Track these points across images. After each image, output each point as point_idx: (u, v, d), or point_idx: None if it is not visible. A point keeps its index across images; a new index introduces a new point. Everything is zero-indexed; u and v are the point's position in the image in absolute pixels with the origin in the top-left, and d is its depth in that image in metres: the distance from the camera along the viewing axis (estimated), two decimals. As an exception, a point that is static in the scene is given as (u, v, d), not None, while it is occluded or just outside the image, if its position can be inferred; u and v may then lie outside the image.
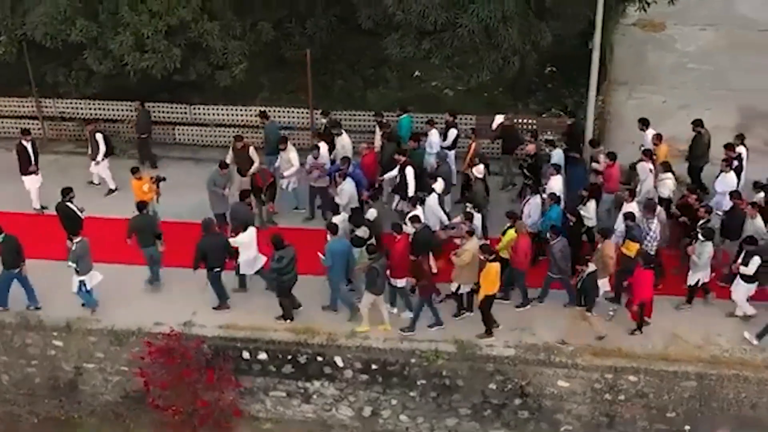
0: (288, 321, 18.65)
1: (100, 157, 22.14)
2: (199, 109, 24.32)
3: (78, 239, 18.20)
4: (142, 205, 19.30)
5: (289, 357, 18.53)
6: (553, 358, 17.87)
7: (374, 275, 17.86)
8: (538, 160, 21.30)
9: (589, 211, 19.39)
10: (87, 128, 22.64)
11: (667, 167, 20.24)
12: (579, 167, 21.21)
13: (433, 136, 21.90)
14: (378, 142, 22.09)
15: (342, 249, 18.33)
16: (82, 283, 18.53)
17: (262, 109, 22.99)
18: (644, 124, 21.72)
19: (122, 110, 24.36)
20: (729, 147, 20.56)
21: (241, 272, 19.14)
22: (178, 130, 24.44)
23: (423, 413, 18.68)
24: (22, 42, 23.30)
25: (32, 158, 21.34)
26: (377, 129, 22.34)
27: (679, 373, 17.55)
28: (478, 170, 20.45)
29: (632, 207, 18.88)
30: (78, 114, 24.49)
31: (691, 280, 18.41)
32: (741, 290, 18.20)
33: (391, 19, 22.78)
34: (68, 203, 19.58)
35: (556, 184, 20.01)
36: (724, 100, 25.13)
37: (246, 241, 18.66)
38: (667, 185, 19.99)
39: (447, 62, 23.25)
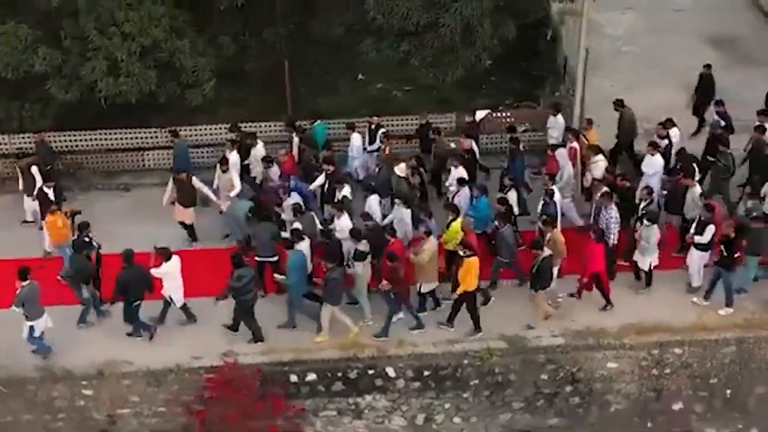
0: (259, 343, 18.18)
1: (36, 190, 20.74)
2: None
3: (26, 282, 17.12)
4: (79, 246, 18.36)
5: (339, 374, 18.16)
6: (601, 341, 18.33)
7: (333, 286, 17.73)
8: (474, 156, 21.58)
9: (511, 199, 19.74)
10: (22, 162, 21.22)
11: (597, 150, 20.96)
12: (518, 157, 21.40)
13: (355, 140, 21.98)
14: (295, 149, 21.75)
15: (301, 261, 18.08)
16: (31, 328, 17.43)
17: (173, 129, 22.23)
18: (620, 104, 22.54)
19: (87, 140, 23.07)
20: (662, 124, 21.51)
21: (175, 304, 18.34)
22: (147, 155, 23.33)
23: (476, 413, 18.70)
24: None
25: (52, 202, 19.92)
26: (294, 136, 22.01)
27: (719, 340, 18.39)
28: (400, 169, 20.47)
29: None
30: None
31: (644, 264, 18.94)
32: (696, 259, 18.93)
33: (365, 23, 22.67)
34: (86, 238, 18.52)
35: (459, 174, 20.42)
36: (666, 80, 26.22)
37: (170, 271, 17.95)
38: (599, 167, 20.68)
39: (423, 63, 23.24)
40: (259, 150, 21.64)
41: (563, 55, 26.26)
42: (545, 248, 18.09)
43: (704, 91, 23.81)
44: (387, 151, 21.60)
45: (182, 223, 20.59)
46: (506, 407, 18.70)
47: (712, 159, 21.11)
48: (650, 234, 18.49)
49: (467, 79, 25.67)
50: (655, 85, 25.84)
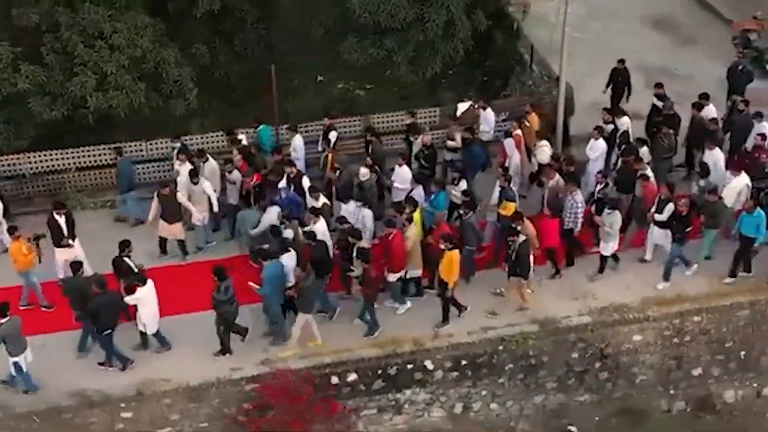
0: (228, 355, 17.88)
1: None
2: (154, 143, 22.48)
3: (6, 318, 16.34)
4: (76, 267, 17.69)
5: (379, 372, 18.17)
6: (626, 315, 18.95)
7: (308, 295, 17.62)
8: (435, 151, 21.60)
9: (458, 190, 19.97)
10: None
11: (542, 135, 21.65)
12: (475, 147, 21.65)
13: (297, 140, 21.65)
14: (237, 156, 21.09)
15: (278, 272, 17.74)
16: (16, 365, 16.73)
17: (117, 146, 21.41)
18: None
19: (69, 158, 22.15)
20: (606, 110, 22.33)
21: (147, 331, 17.71)
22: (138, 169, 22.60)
23: (511, 397, 19.06)
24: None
25: (65, 231, 18.98)
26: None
27: (734, 304, 19.27)
28: (363, 174, 20.35)
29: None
30: (18, 170, 21.98)
31: (606, 250, 19.35)
32: (656, 235, 19.52)
33: (347, 22, 22.70)
34: (126, 257, 18.00)
35: (404, 173, 20.58)
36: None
37: (145, 297, 17.34)
38: (545, 152, 21.29)
39: (405, 59, 23.39)
40: (212, 164, 20.75)
41: (528, 44, 26.71)
42: (521, 234, 18.18)
43: (618, 85, 24.11)
44: (330, 158, 21.10)
45: (163, 239, 20.16)
46: (540, 388, 19.13)
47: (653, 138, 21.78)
48: (614, 220, 18.91)
49: (427, 74, 26.06)
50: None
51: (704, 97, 22.35)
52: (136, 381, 17.43)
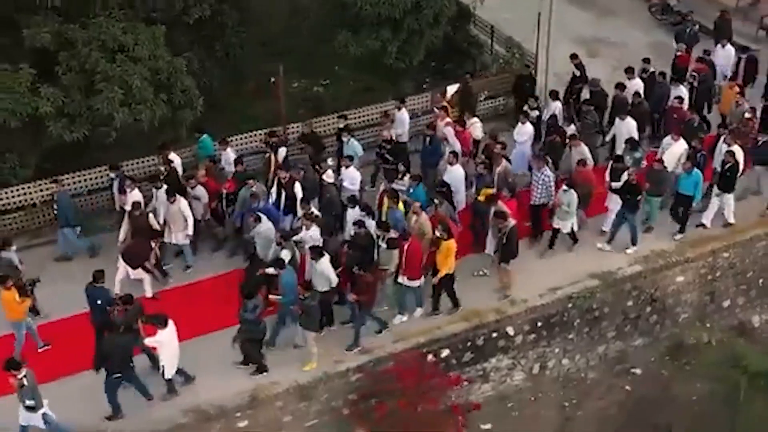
0: (264, 373, 17.48)
1: None
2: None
3: (23, 372, 15.27)
4: (98, 275, 17.13)
5: (469, 344, 18.83)
6: (669, 259, 20.48)
7: (313, 313, 17.37)
8: (397, 145, 21.78)
9: (404, 184, 20.26)
10: None
11: (471, 113, 22.65)
12: (433, 138, 21.74)
13: (229, 153, 21.05)
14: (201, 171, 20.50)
15: (294, 280, 17.57)
16: (45, 416, 15.71)
17: (55, 178, 20.22)
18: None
19: (86, 180, 21.26)
20: (534, 97, 23.32)
21: (165, 374, 16.73)
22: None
23: (579, 350, 20.21)
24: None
25: None
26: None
27: (753, 237, 21.20)
28: (328, 176, 20.31)
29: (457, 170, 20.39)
30: (29, 200, 20.85)
31: (566, 228, 19.87)
32: (615, 201, 20.53)
33: (342, 17, 23.02)
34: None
35: (352, 173, 20.57)
36: (564, 42, 28.23)
37: (166, 339, 16.42)
38: (477, 128, 22.40)
39: (398, 48, 23.91)
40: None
41: (486, 26, 27.66)
42: (509, 218, 18.60)
43: (523, 91, 24.27)
44: (273, 159, 20.85)
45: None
46: (602, 339, 20.38)
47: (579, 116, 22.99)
48: (570, 199, 19.43)
49: (382, 66, 26.68)
50: (561, 47, 27.83)
51: (630, 71, 23.50)
52: (247, 388, 17.23)
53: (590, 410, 19.71)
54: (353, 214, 19.25)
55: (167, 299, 18.85)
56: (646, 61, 24.28)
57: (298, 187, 19.84)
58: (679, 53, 25.28)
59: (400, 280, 18.26)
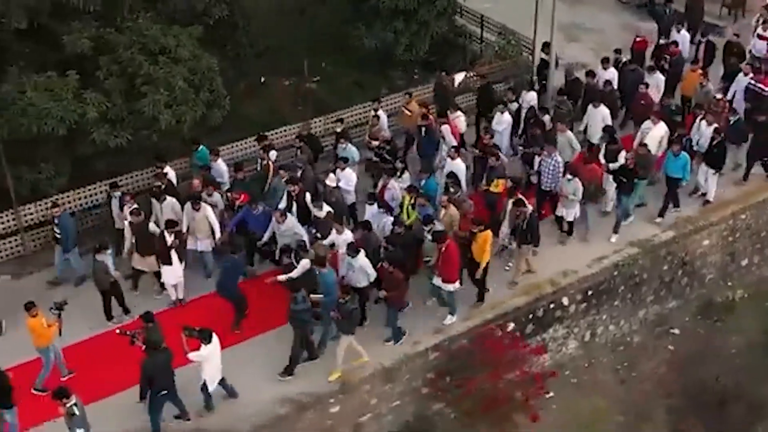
0: (291, 376, 17.41)
1: None
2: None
3: (72, 399, 14.74)
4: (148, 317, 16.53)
5: (531, 316, 19.55)
6: (696, 224, 21.64)
7: (354, 316, 17.35)
8: (395, 146, 21.94)
9: (404, 181, 20.47)
10: None
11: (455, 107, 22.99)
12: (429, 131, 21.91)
13: (220, 165, 20.70)
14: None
15: (334, 279, 17.70)
16: None
17: (54, 199, 19.79)
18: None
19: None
20: (510, 89, 23.81)
21: (209, 387, 16.51)
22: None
23: (623, 316, 21.18)
24: (-1, 143, 18.93)
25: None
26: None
27: (766, 200, 22.63)
28: (331, 179, 20.10)
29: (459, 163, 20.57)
30: (69, 208, 20.35)
31: (569, 216, 20.22)
32: (609, 182, 21.24)
33: (360, 8, 23.38)
34: None
35: (349, 175, 20.50)
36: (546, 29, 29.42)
37: (210, 354, 16.17)
38: (461, 121, 22.71)
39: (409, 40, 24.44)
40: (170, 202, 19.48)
41: (477, 15, 28.30)
42: (528, 205, 19.00)
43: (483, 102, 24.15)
44: (271, 165, 20.63)
45: (136, 273, 19.19)
46: (642, 303, 21.42)
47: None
48: (576, 188, 19.71)
49: (369, 61, 27.17)
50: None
51: (605, 62, 23.91)
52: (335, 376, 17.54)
53: (642, 371, 20.69)
54: (371, 210, 19.42)
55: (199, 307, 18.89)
56: (618, 51, 25.06)
57: (309, 198, 19.63)
58: (638, 38, 26.01)
59: (435, 282, 18.35)
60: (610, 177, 20.83)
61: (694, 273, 22.00)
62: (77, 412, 14.70)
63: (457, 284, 18.21)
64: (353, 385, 17.57)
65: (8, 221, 19.99)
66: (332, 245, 18.59)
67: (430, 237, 18.28)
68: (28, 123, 18.65)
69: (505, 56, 26.80)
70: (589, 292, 20.27)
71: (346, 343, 17.34)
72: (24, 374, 16.75)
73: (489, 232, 18.34)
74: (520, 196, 19.26)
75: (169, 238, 18.36)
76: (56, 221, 19.20)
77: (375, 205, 19.43)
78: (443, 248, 17.79)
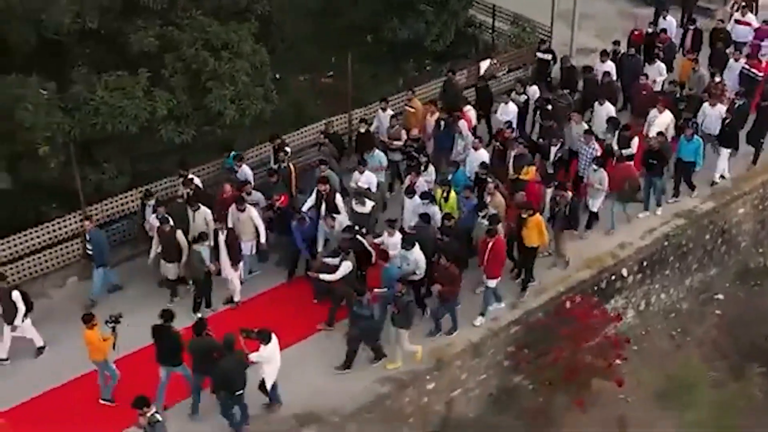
0: (348, 370, 17.63)
1: (18, 321, 17.62)
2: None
3: (153, 408, 14.73)
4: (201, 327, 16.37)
5: (595, 288, 20.34)
6: (732, 194, 22.72)
7: (410, 310, 17.50)
8: (423, 142, 21.99)
9: (429, 174, 20.67)
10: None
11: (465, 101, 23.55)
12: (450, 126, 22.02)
13: (245, 169, 20.55)
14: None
15: (396, 274, 17.91)
16: None
17: (89, 215, 19.53)
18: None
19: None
20: (519, 81, 24.13)
21: (267, 385, 16.56)
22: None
23: (672, 284, 22.13)
24: (69, 144, 18.90)
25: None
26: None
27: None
28: (362, 181, 20.27)
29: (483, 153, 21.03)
30: (128, 209, 20.53)
31: (594, 206, 20.61)
32: None
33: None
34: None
35: (368, 176, 20.44)
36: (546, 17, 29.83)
37: (270, 354, 16.24)
38: (472, 115, 22.91)
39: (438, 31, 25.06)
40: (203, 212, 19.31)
41: (485, 6, 28.85)
42: (568, 191, 19.49)
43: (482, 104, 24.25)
44: (293, 167, 20.75)
45: (167, 279, 19.23)
46: (688, 272, 22.42)
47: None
48: (601, 177, 20.12)
49: (379, 53, 27.55)
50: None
51: (604, 54, 24.35)
52: (431, 349, 18.09)
53: (695, 336, 21.70)
54: (411, 203, 19.53)
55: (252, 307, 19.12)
56: (616, 43, 25.56)
57: (339, 198, 19.73)
58: (636, 32, 26.42)
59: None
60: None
61: (731, 241, 23.08)
62: (160, 419, 14.62)
63: (498, 279, 18.49)
64: (446, 362, 18.11)
65: (76, 222, 19.95)
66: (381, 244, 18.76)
67: (486, 222, 18.52)
68: (102, 122, 18.71)
69: (520, 44, 27.61)
70: (644, 263, 21.15)
71: (405, 335, 17.56)
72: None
73: (539, 216, 18.77)
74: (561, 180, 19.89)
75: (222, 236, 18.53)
76: (87, 237, 18.84)
77: (415, 198, 19.53)
78: (492, 243, 18.01)
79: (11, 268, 19.21)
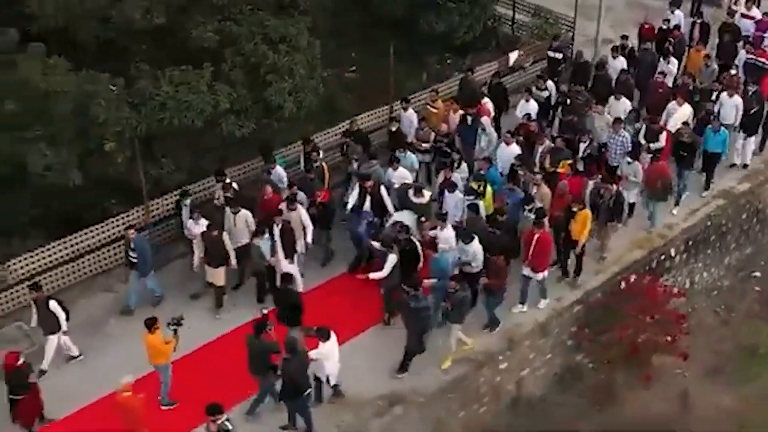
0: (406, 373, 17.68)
1: (65, 326, 17.39)
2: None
3: (225, 416, 14.69)
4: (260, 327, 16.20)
5: (646, 268, 20.92)
6: (765, 175, 23.52)
7: (465, 304, 17.55)
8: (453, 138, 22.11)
9: (462, 171, 20.85)
10: (35, 297, 17.32)
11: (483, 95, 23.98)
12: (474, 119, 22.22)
13: (279, 170, 20.64)
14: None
15: (449, 265, 18.06)
16: None
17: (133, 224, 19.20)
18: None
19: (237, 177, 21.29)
20: (540, 77, 24.16)
21: (331, 381, 16.70)
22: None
23: (713, 263, 22.87)
24: (134, 139, 19.11)
25: None
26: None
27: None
28: (401, 176, 20.32)
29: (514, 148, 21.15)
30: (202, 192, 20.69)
31: (630, 198, 20.78)
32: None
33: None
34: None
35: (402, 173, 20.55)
36: (560, 6, 29.57)
37: (329, 351, 16.29)
38: (491, 106, 23.33)
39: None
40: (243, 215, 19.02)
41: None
42: (613, 185, 19.70)
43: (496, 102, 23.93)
44: (326, 166, 20.74)
45: (211, 284, 19.01)
46: (727, 251, 23.17)
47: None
48: (635, 170, 20.42)
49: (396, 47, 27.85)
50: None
51: (614, 50, 24.59)
52: (506, 329, 18.61)
53: (740, 311, 22.42)
54: (453, 198, 19.59)
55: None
56: (625, 37, 25.83)
57: (384, 191, 19.85)
58: (646, 25, 26.86)
59: (524, 271, 18.70)
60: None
61: (765, 220, 23.85)
62: (231, 427, 14.62)
63: (545, 273, 18.71)
64: (517, 342, 18.60)
65: (139, 218, 20.14)
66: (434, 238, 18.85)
67: (532, 215, 18.85)
68: (169, 117, 18.93)
69: (543, 36, 28.17)
70: (689, 243, 21.83)
71: (457, 331, 17.67)
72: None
73: (588, 211, 19.03)
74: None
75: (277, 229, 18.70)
76: (132, 245, 18.40)
77: (456, 192, 19.72)
78: (538, 236, 18.19)
79: (76, 265, 19.45)
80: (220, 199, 19.81)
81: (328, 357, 16.24)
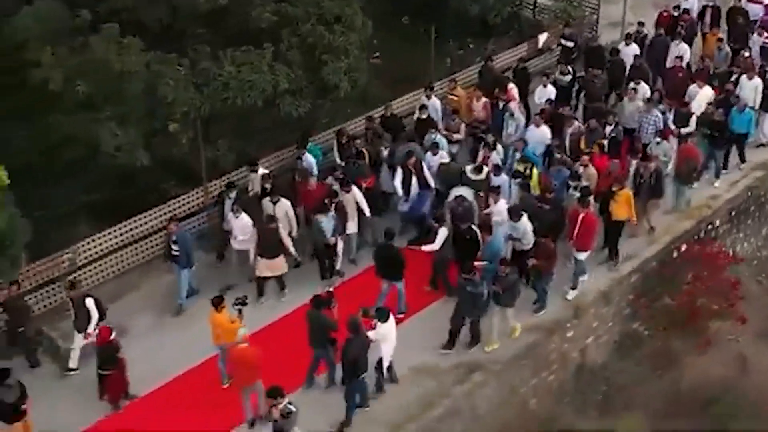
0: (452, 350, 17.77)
1: (91, 328, 17.16)
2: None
3: (287, 399, 14.55)
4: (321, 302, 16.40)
5: (695, 237, 21.36)
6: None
7: (515, 287, 17.62)
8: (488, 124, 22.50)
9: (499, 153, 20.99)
10: (72, 294, 17.29)
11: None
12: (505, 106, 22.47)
13: (308, 157, 20.49)
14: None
15: (501, 246, 18.36)
16: None
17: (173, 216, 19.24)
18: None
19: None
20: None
21: (385, 364, 16.76)
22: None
23: (752, 233, 23.44)
24: (197, 119, 19.26)
25: None
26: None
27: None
28: (443, 156, 20.66)
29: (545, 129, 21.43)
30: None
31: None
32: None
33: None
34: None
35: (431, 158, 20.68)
36: None
37: (387, 332, 16.35)
38: (514, 93, 23.37)
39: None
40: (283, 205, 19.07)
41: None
42: (650, 163, 19.91)
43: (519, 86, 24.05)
44: (366, 153, 20.84)
45: (262, 280, 18.80)
46: (765, 222, 23.75)
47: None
48: (666, 149, 20.78)
49: (414, 32, 28.15)
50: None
51: (628, 37, 24.92)
52: (567, 304, 18.99)
53: (780, 281, 23.07)
54: (499, 181, 19.77)
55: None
56: (641, 24, 26.26)
57: (426, 171, 20.14)
58: (665, 13, 27.06)
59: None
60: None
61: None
62: (294, 409, 14.43)
63: (588, 252, 18.83)
64: (584, 310, 19.00)
65: (199, 199, 20.27)
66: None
67: (578, 194, 19.15)
68: (232, 96, 19.09)
69: (566, 19, 28.57)
70: (732, 213, 22.38)
71: (509, 313, 17.78)
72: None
73: (629, 191, 19.35)
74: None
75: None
76: (174, 238, 18.16)
77: (503, 175, 19.92)
78: (583, 215, 18.32)
79: (137, 247, 19.54)
80: (254, 189, 19.91)
81: (385, 338, 16.33)
